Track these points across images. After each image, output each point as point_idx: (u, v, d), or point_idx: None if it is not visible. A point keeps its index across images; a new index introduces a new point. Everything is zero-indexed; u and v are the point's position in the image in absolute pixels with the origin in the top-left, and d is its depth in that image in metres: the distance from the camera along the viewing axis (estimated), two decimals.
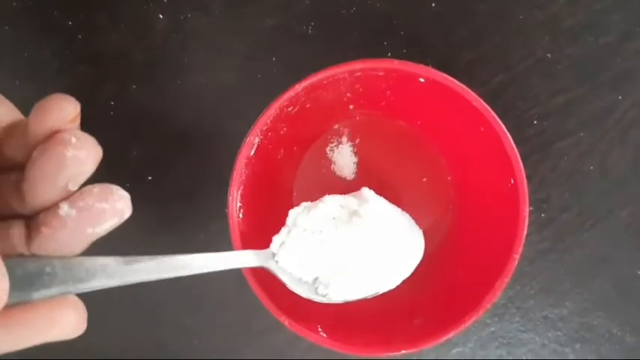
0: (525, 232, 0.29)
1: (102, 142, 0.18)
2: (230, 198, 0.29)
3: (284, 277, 0.28)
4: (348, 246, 0.28)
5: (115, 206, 0.17)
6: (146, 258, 0.20)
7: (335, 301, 0.29)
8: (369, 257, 0.29)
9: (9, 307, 0.16)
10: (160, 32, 0.38)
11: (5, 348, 0.17)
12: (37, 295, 0.17)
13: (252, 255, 0.27)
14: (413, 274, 0.35)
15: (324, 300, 0.29)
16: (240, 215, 0.30)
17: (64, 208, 0.17)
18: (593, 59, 0.39)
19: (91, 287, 0.18)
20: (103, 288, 0.19)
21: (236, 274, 0.29)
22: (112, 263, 0.19)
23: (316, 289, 0.28)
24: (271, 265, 0.27)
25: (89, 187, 0.17)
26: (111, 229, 0.18)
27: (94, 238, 0.18)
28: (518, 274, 0.30)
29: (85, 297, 0.39)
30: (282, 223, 0.29)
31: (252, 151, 0.30)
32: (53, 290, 0.17)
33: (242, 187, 0.30)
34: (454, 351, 0.39)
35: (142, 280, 0.20)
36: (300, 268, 0.28)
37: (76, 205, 0.17)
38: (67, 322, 0.18)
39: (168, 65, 0.38)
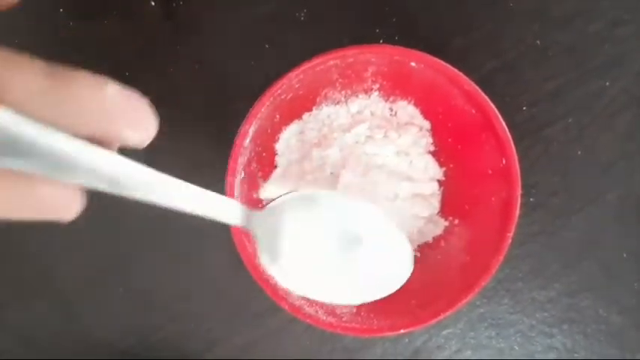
0: (518, 212, 0.30)
1: None
2: (227, 187, 0.30)
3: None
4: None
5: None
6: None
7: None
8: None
9: None
10: (152, 19, 0.38)
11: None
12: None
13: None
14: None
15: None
16: None
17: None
18: (582, 46, 0.39)
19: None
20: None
21: (232, 257, 0.30)
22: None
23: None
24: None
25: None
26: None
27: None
28: (507, 257, 0.30)
29: (82, 283, 0.40)
30: None
31: (248, 140, 0.30)
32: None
33: (239, 176, 0.30)
34: (445, 332, 0.40)
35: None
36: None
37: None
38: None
39: (160, 52, 0.38)
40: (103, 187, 0.17)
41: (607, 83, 0.39)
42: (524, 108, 0.39)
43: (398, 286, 0.27)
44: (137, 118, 0.17)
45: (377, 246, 0.27)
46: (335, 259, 0.26)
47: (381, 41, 0.38)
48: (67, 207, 0.17)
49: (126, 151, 0.18)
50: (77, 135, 0.16)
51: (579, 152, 0.40)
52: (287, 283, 0.25)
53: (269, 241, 0.24)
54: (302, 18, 0.38)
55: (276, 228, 0.25)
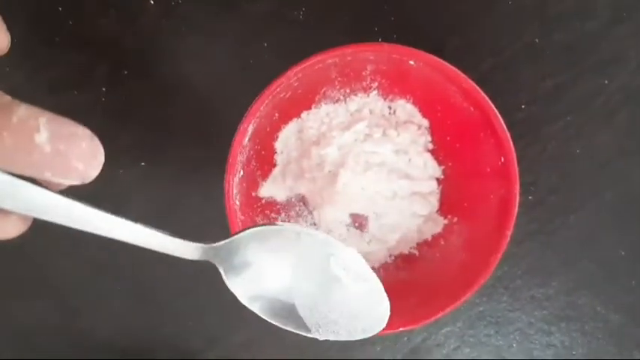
0: (516, 210, 0.30)
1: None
2: (226, 185, 0.30)
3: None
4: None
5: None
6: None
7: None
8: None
9: None
10: (151, 18, 0.38)
11: None
12: None
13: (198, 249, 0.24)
14: (407, 254, 0.36)
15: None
16: (237, 202, 0.30)
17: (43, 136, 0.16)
18: (580, 44, 0.39)
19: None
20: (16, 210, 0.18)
21: None
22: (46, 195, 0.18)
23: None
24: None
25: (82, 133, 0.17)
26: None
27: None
28: (506, 255, 0.30)
29: (81, 282, 0.40)
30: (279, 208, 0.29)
31: (247, 138, 0.30)
32: None
33: (238, 174, 0.31)
34: (444, 330, 0.40)
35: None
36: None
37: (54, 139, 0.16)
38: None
39: (159, 51, 0.38)
40: (55, 222, 0.19)
41: (605, 81, 0.39)
42: (523, 106, 0.39)
43: (371, 334, 0.26)
44: (67, 168, 0.16)
45: (353, 290, 0.25)
46: (306, 293, 0.26)
47: (380, 40, 0.38)
48: (9, 230, 0.19)
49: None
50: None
51: (578, 150, 0.40)
52: (255, 308, 0.25)
53: (236, 269, 0.25)
54: (300, 17, 0.38)
55: (243, 259, 0.25)
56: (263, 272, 0.25)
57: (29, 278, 0.39)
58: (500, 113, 0.30)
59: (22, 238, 0.41)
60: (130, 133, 0.39)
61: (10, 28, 0.38)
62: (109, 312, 0.39)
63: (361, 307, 0.26)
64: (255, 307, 0.26)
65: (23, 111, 0.16)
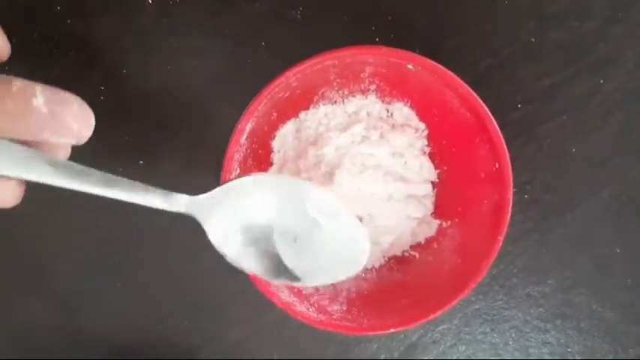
0: (509, 216, 0.30)
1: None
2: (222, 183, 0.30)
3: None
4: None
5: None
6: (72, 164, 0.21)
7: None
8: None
9: None
10: (149, 17, 0.38)
11: None
12: None
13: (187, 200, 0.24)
14: (401, 256, 0.36)
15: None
16: None
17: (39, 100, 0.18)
18: (577, 44, 0.39)
19: None
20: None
21: None
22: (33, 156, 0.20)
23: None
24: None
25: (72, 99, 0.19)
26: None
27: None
28: (501, 254, 0.31)
29: (78, 280, 0.40)
30: None
31: (244, 138, 0.30)
32: None
33: (234, 172, 0.31)
34: (440, 327, 0.40)
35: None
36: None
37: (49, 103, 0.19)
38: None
39: (158, 50, 0.38)
40: (54, 183, 0.20)
41: (601, 81, 0.40)
42: (519, 106, 0.39)
43: (358, 270, 0.27)
44: (63, 127, 0.19)
45: (332, 230, 0.26)
46: (289, 242, 0.26)
47: (377, 39, 0.38)
48: (8, 198, 0.20)
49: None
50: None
51: (573, 149, 0.40)
52: (240, 264, 0.25)
53: (219, 223, 0.25)
54: (298, 16, 0.38)
55: (226, 211, 0.25)
56: (247, 226, 0.25)
57: (27, 278, 0.39)
58: (496, 112, 0.30)
59: (20, 237, 0.41)
60: (129, 132, 0.39)
61: (8, 27, 0.38)
62: (106, 310, 0.40)
63: (343, 246, 0.27)
64: (244, 267, 0.26)
65: (20, 82, 0.18)
